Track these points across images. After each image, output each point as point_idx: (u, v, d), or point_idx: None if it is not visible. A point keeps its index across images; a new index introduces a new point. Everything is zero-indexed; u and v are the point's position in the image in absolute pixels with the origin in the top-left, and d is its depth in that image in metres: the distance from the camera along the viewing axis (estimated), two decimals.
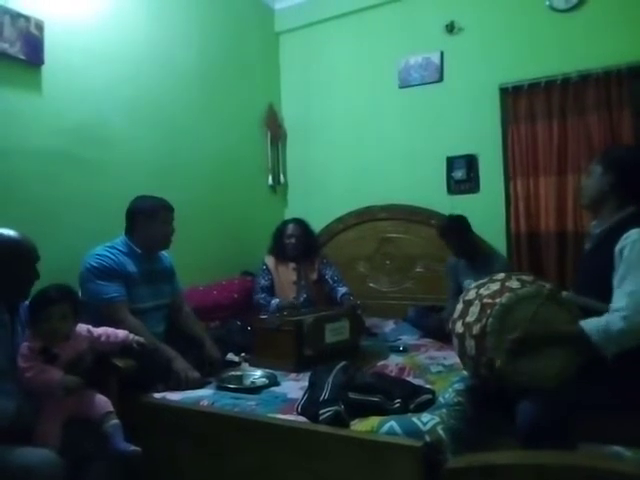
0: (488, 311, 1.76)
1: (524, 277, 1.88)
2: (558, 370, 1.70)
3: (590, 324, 1.67)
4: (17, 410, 1.65)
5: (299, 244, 3.26)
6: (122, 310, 2.20)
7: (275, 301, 3.10)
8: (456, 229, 2.99)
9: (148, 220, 2.35)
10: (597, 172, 1.89)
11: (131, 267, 2.30)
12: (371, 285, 3.81)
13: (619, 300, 1.65)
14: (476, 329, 1.78)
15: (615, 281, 1.70)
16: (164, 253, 2.51)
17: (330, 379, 1.92)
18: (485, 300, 1.81)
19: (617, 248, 1.71)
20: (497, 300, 1.76)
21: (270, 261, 3.31)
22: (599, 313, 1.70)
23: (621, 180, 1.82)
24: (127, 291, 2.25)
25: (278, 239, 3.32)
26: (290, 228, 3.30)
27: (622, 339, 1.61)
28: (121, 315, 2.17)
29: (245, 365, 2.50)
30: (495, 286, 1.85)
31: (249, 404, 1.93)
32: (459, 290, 2.93)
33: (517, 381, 1.70)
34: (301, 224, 3.33)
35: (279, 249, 3.30)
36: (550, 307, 1.74)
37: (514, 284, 1.82)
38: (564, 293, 1.85)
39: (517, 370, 1.70)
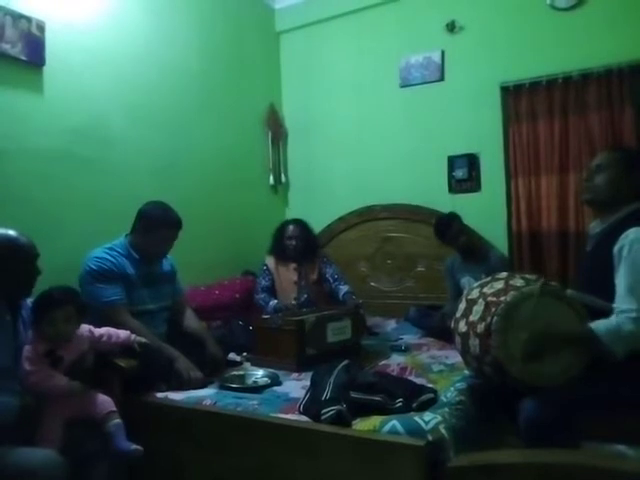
0: (493, 309, 1.75)
1: (528, 276, 1.88)
2: (569, 369, 1.68)
3: (600, 325, 1.66)
4: (21, 406, 1.65)
5: (299, 245, 3.24)
6: (122, 312, 2.20)
7: (273, 302, 3.10)
8: (450, 224, 3.03)
9: (146, 231, 2.33)
10: (617, 169, 1.83)
11: (130, 269, 2.29)
12: (372, 284, 3.81)
13: (625, 301, 1.65)
14: (480, 328, 1.77)
15: (617, 281, 1.69)
16: None
17: (332, 378, 1.92)
18: (489, 299, 1.80)
19: (616, 248, 1.71)
20: (502, 298, 1.75)
21: (270, 261, 3.30)
22: (603, 311, 1.69)
23: None
24: (127, 293, 2.25)
25: (278, 240, 3.31)
26: (290, 229, 3.28)
27: (633, 340, 1.62)
28: (121, 318, 2.17)
29: (247, 365, 2.51)
30: (499, 285, 1.84)
31: (251, 403, 1.93)
32: (458, 289, 2.94)
33: (532, 384, 1.67)
34: (301, 225, 3.32)
35: (279, 250, 3.29)
36: (548, 303, 1.71)
37: (518, 282, 1.81)
38: (568, 291, 1.85)
39: (532, 374, 1.66)
